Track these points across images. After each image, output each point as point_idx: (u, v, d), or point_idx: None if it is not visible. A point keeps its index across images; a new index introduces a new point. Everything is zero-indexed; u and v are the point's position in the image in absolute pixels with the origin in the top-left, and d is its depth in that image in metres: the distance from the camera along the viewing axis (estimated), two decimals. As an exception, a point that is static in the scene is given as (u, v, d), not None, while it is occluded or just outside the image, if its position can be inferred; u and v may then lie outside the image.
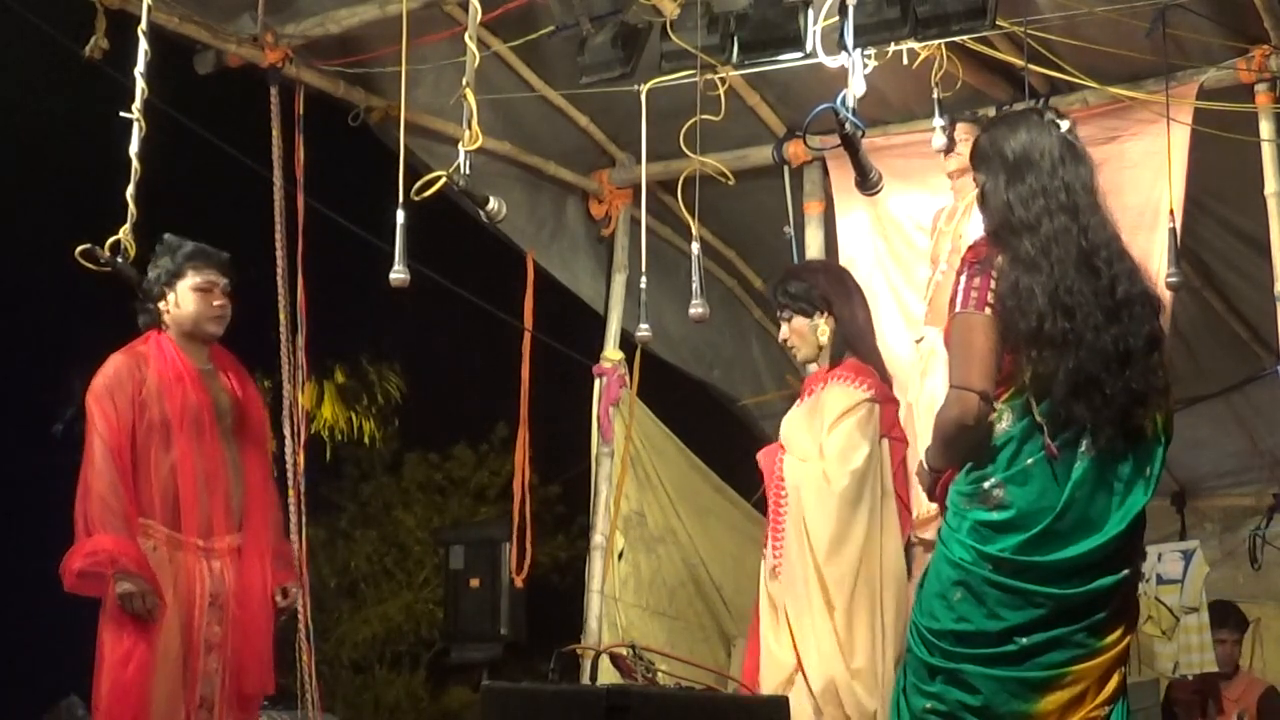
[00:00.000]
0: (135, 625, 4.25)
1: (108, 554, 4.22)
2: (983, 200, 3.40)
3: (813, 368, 4.73)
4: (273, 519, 4.68)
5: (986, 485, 3.24)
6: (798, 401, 4.64)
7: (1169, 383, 3.31)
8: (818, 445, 4.45)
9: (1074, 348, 3.17)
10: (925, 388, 5.74)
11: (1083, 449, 3.21)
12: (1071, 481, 3.19)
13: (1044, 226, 3.24)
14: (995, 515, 3.22)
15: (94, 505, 4.28)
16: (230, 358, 4.70)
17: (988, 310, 3.23)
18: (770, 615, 4.43)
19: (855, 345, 4.57)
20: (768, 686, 4.29)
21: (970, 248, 3.40)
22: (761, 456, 4.57)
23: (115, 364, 4.47)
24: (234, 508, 4.48)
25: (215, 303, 4.53)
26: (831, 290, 4.60)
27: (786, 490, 4.44)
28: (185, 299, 4.51)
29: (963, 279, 3.29)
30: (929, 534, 5.58)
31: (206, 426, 4.45)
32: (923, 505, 5.62)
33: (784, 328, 4.63)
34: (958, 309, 3.27)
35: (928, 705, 3.27)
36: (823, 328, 4.54)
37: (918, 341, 5.93)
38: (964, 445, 3.29)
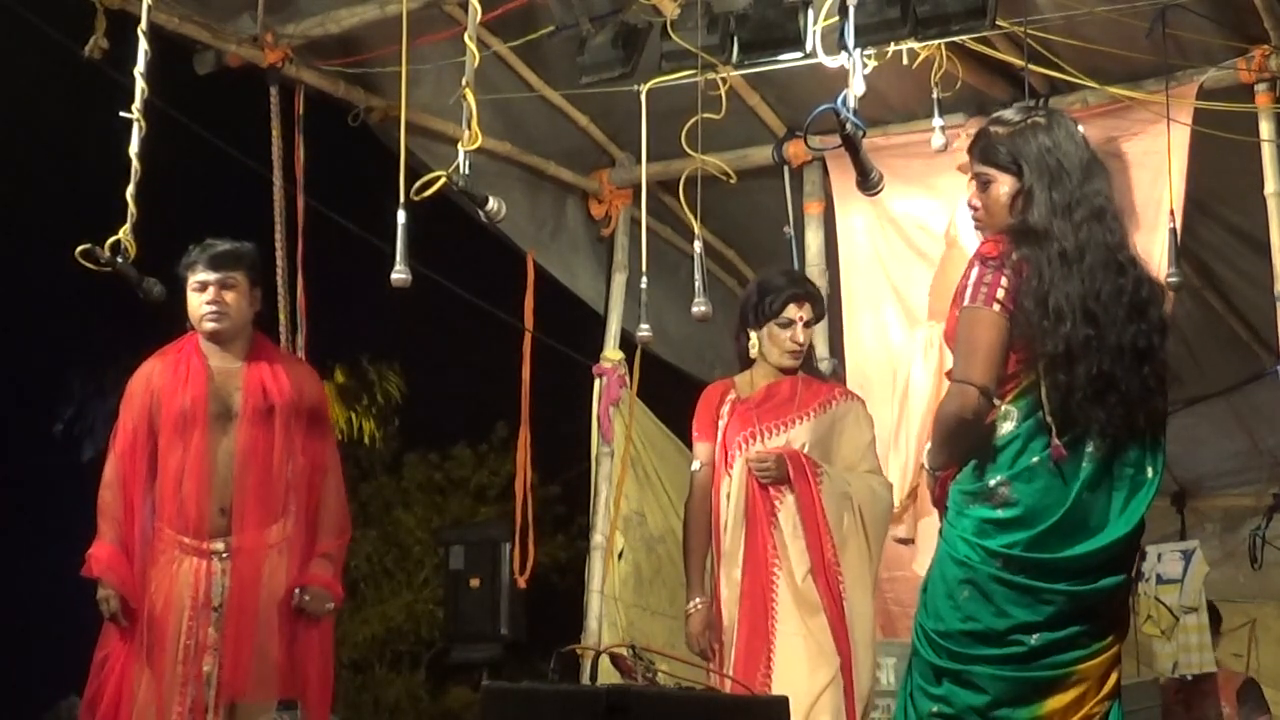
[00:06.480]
0: (115, 630, 4.37)
1: (90, 561, 4.36)
2: (1002, 199, 3.33)
3: (769, 373, 4.81)
4: (306, 515, 4.52)
5: (992, 483, 3.23)
6: (804, 416, 4.67)
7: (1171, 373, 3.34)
8: (842, 459, 4.64)
9: (1095, 352, 3.16)
10: (913, 382, 5.81)
11: (1090, 449, 3.20)
12: (1080, 481, 3.18)
13: (1081, 233, 3.22)
14: (1000, 513, 3.21)
15: (99, 510, 4.41)
16: (276, 354, 4.68)
17: (997, 307, 3.19)
18: (803, 613, 4.48)
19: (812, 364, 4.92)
20: (815, 684, 4.37)
21: (985, 242, 3.33)
22: (788, 457, 4.59)
23: (140, 369, 4.56)
24: (227, 509, 4.41)
25: (205, 301, 4.49)
26: None
27: (824, 496, 4.52)
28: (189, 300, 4.53)
29: (973, 273, 3.24)
30: (901, 532, 5.65)
31: (198, 427, 4.41)
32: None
33: (803, 330, 4.72)
34: (965, 303, 3.23)
35: (934, 709, 3.25)
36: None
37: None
38: (962, 441, 3.26)
